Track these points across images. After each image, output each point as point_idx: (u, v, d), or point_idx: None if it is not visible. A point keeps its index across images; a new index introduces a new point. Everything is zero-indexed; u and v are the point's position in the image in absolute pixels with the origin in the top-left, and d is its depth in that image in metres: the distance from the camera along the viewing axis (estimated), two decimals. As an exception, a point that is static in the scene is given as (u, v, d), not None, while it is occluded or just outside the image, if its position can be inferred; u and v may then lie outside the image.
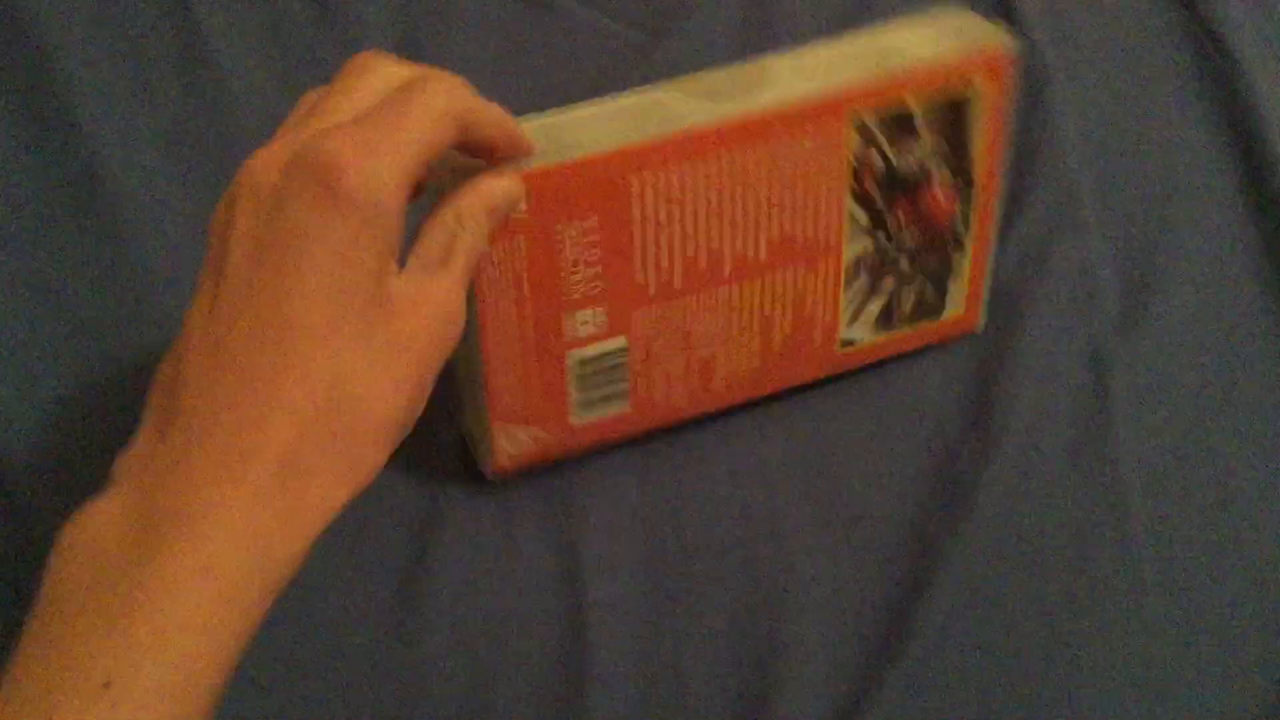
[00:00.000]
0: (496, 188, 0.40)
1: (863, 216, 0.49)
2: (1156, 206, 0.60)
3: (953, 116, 0.48)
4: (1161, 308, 0.57)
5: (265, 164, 0.33)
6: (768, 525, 0.50)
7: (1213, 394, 0.54)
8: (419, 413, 0.35)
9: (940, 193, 0.50)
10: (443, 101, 0.35)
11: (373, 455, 0.33)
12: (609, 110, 0.45)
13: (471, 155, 0.39)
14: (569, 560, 0.49)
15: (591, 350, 0.48)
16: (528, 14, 0.67)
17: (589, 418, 0.50)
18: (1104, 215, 0.60)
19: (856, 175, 0.48)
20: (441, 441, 0.52)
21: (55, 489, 0.50)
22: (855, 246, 0.50)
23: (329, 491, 0.32)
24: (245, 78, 0.63)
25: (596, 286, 0.46)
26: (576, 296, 0.46)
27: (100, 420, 0.52)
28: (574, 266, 0.45)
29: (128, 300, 0.55)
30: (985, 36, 0.49)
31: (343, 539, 0.48)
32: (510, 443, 0.49)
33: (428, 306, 0.35)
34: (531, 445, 0.49)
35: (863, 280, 0.51)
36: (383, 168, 0.33)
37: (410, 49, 0.65)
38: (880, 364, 0.54)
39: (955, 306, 0.54)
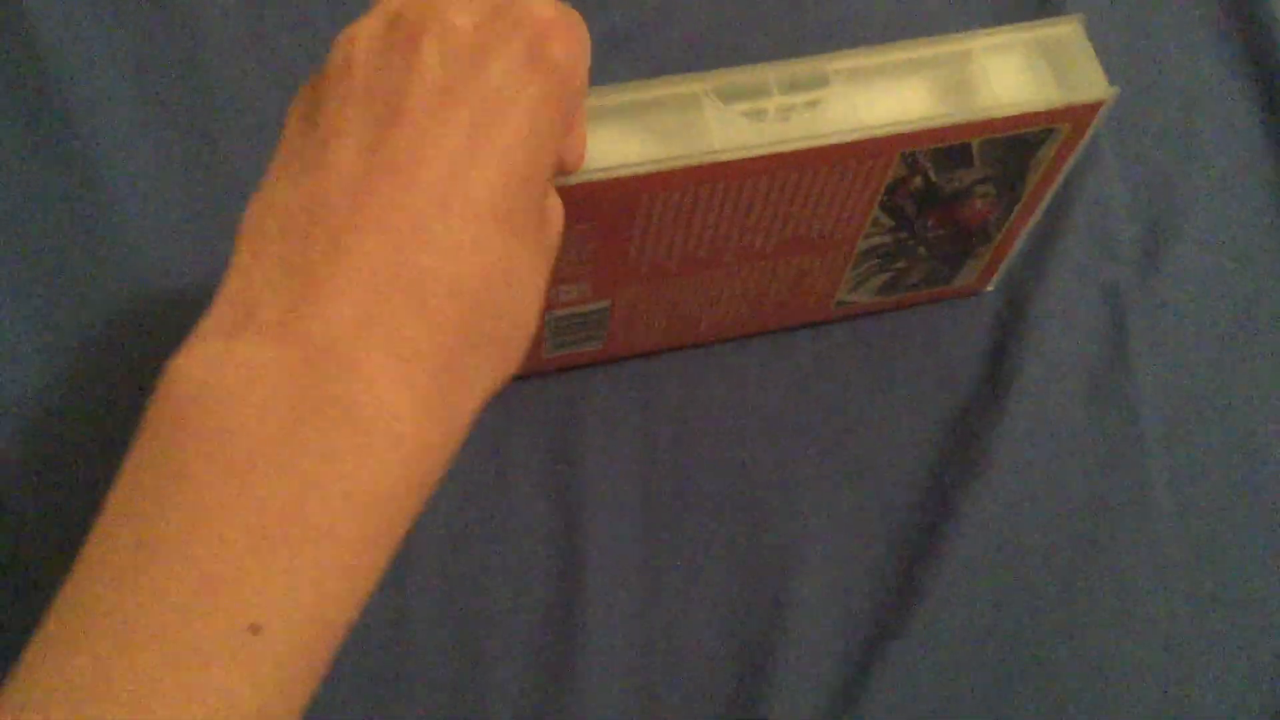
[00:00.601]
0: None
1: (888, 221, 0.45)
2: (1175, 143, 0.57)
3: (1018, 151, 0.42)
4: (1181, 247, 0.55)
5: (458, 7, 0.30)
6: (773, 477, 0.49)
7: (1233, 336, 0.53)
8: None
9: (980, 202, 0.45)
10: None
11: (515, 359, 0.30)
12: (636, 106, 0.39)
13: None
14: (565, 512, 0.48)
15: (571, 309, 0.45)
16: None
17: (562, 352, 0.48)
18: (1122, 152, 0.57)
19: (891, 191, 0.43)
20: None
21: (17, 428, 0.48)
22: (872, 240, 0.46)
23: (481, 390, 0.29)
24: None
25: (586, 267, 0.43)
26: (563, 273, 0.42)
27: (66, 359, 0.49)
28: (564, 252, 0.42)
29: (95, 234, 0.52)
30: (1081, 74, 0.41)
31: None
32: None
33: (556, 216, 0.33)
34: None
35: (873, 262, 0.48)
36: (582, 46, 0.30)
37: None
38: (889, 312, 0.52)
39: (968, 278, 0.51)
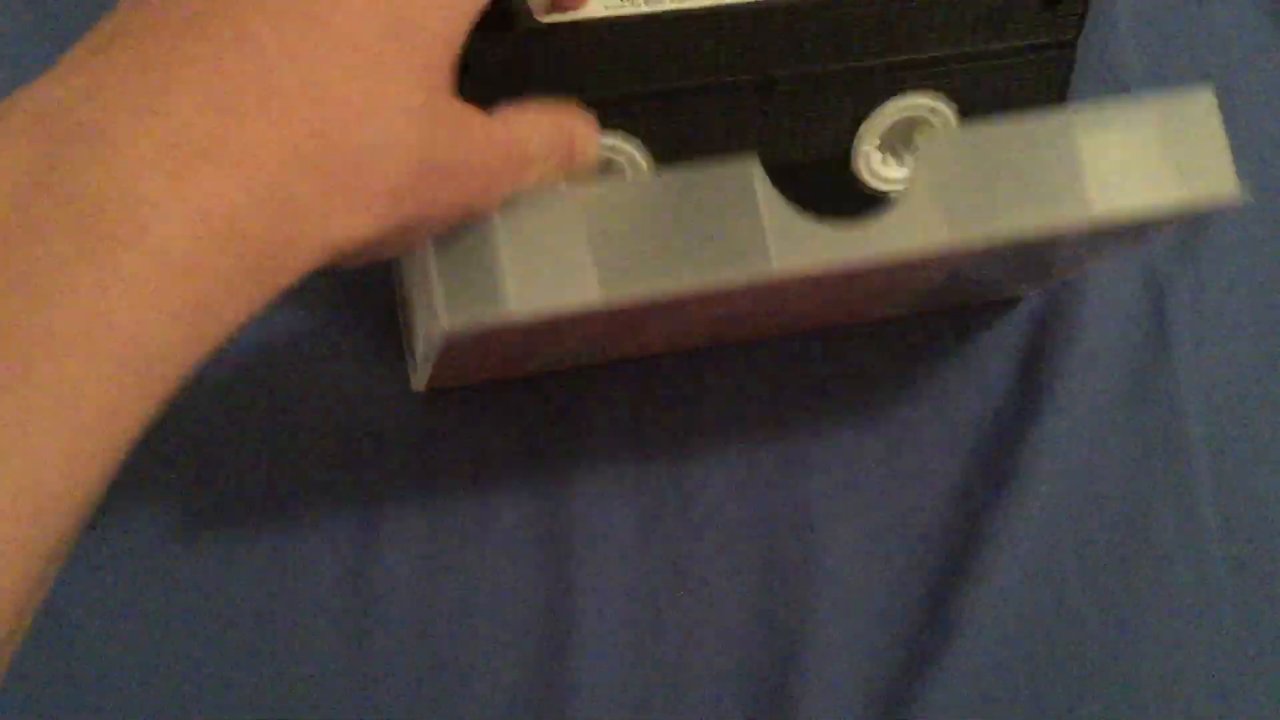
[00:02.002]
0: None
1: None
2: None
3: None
4: (1222, 227, 0.51)
5: None
6: (787, 490, 0.46)
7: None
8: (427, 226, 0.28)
9: None
10: None
11: (364, 211, 0.25)
12: (672, 206, 0.33)
13: None
14: (554, 538, 0.44)
15: None
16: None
17: None
18: None
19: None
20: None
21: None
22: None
23: (309, 235, 0.24)
24: None
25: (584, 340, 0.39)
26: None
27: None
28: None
29: None
30: (1207, 163, 0.36)
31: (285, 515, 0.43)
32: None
33: (497, 136, 0.29)
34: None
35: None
36: None
37: None
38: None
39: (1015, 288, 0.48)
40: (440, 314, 0.31)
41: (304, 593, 0.43)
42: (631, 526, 0.45)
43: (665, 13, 0.33)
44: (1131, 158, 0.35)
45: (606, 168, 0.36)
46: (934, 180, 0.33)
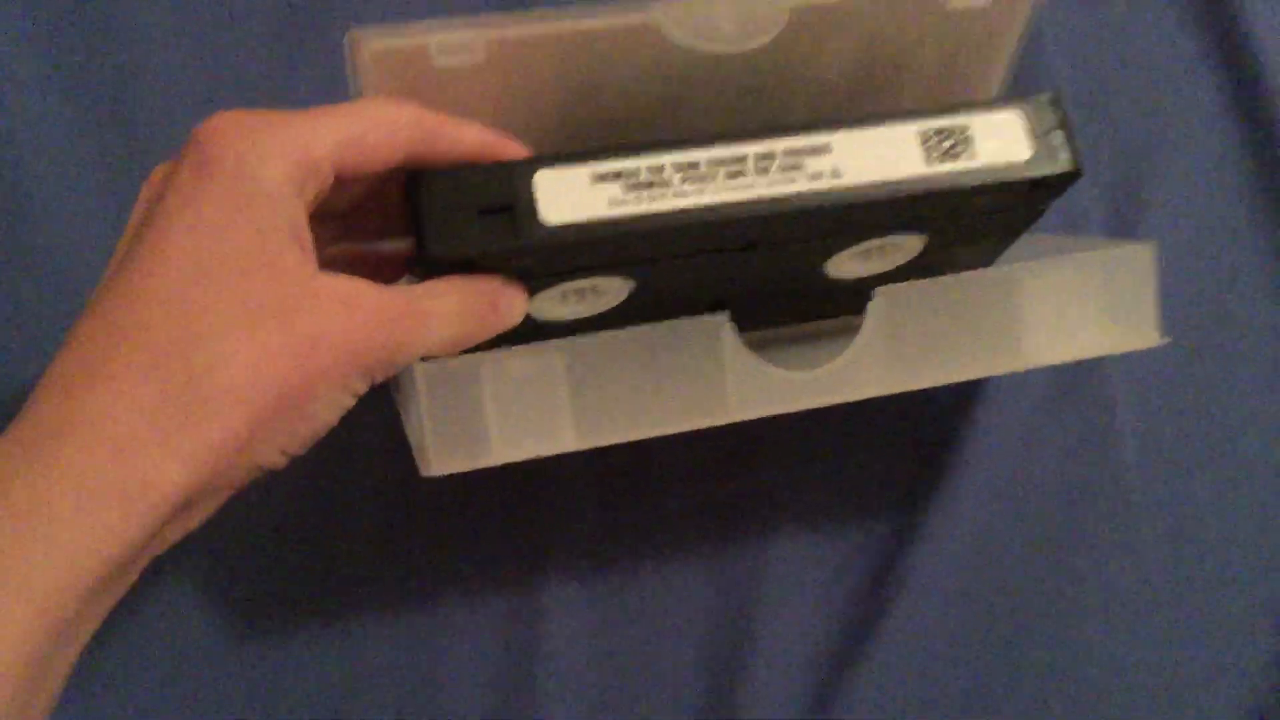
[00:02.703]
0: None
1: None
2: (1143, 131, 0.57)
3: None
4: (1149, 231, 0.54)
5: (164, 164, 0.33)
6: (742, 486, 0.49)
7: (1206, 321, 0.54)
8: (323, 403, 0.31)
9: None
10: (378, 107, 0.33)
11: (218, 428, 0.29)
12: (645, 357, 0.36)
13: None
14: (522, 550, 0.47)
15: None
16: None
17: None
18: (1091, 142, 0.56)
19: None
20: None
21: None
22: None
23: (161, 468, 0.29)
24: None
25: None
26: None
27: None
28: None
29: (18, 245, 0.49)
30: (1138, 318, 0.39)
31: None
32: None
33: (357, 300, 0.32)
34: None
35: None
36: (264, 143, 0.31)
37: None
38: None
39: None
40: (430, 459, 0.34)
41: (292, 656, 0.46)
42: (593, 516, 0.48)
43: (661, 212, 0.34)
44: (1070, 312, 0.38)
45: (589, 292, 0.38)
46: (886, 332, 0.37)
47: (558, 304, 0.37)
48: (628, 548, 0.48)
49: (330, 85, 0.52)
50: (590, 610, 0.47)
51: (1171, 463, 0.51)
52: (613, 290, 0.37)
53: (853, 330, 0.37)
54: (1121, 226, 0.54)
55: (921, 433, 0.50)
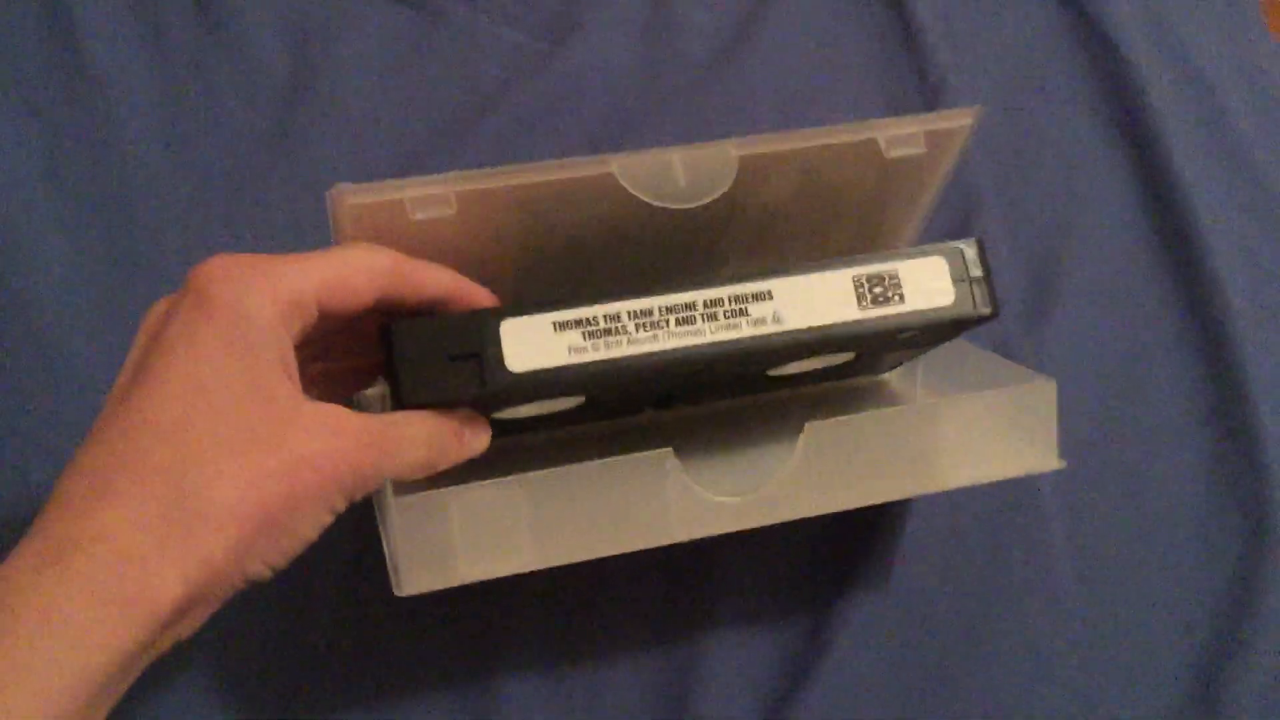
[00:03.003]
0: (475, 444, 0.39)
1: None
2: (1058, 212, 0.61)
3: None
4: (1065, 310, 0.59)
5: (163, 300, 0.36)
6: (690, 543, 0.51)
7: (1119, 384, 0.57)
8: (306, 520, 0.34)
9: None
10: (357, 253, 0.36)
11: (211, 543, 0.32)
12: (597, 487, 0.39)
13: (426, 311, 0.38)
14: (479, 647, 0.49)
15: None
16: (421, 22, 0.62)
17: None
18: (1007, 220, 0.60)
19: None
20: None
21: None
22: None
23: (161, 579, 0.31)
24: (126, 85, 0.58)
25: None
26: None
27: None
28: None
29: (7, 329, 0.52)
30: (1039, 444, 0.43)
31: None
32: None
33: (339, 426, 0.34)
34: None
35: None
36: (255, 282, 0.34)
37: (299, 56, 0.60)
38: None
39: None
40: (402, 581, 0.37)
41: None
42: (546, 612, 0.50)
43: (618, 359, 0.37)
44: (981, 441, 0.42)
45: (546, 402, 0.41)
46: (813, 461, 0.40)
47: (518, 409, 0.40)
48: (578, 641, 0.50)
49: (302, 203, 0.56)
50: (544, 699, 0.49)
51: (1088, 520, 0.54)
52: (569, 400, 0.41)
53: (789, 443, 0.41)
54: (1040, 304, 0.58)
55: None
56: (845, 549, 0.52)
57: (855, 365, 0.46)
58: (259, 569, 0.34)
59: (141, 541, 0.31)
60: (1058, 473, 0.53)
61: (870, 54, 0.65)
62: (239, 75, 0.59)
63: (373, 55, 0.61)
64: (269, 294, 0.34)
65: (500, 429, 0.40)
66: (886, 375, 0.53)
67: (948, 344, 0.47)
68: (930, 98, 0.63)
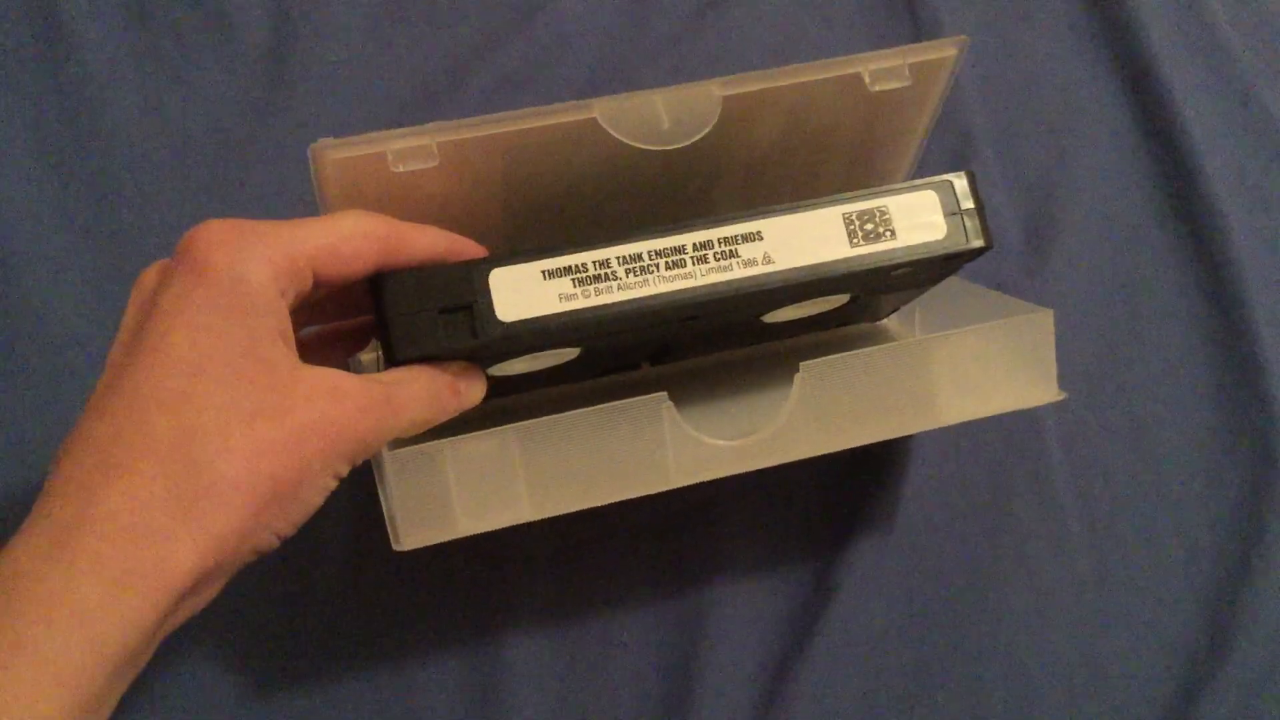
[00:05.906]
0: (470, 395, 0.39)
1: None
2: (1053, 146, 0.61)
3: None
4: (1064, 246, 0.58)
5: (153, 266, 0.35)
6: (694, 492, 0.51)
7: (1119, 326, 0.57)
8: (312, 488, 0.34)
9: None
10: (350, 220, 0.35)
11: (223, 517, 0.32)
12: (592, 434, 0.39)
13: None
14: (485, 608, 0.49)
15: None
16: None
17: None
18: (1003, 158, 0.60)
19: None
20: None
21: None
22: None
23: (174, 556, 0.31)
24: (108, 56, 0.58)
25: None
26: None
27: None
28: None
29: None
30: (1039, 377, 0.42)
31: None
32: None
33: (340, 392, 0.34)
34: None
35: None
36: (251, 247, 0.34)
37: (280, 23, 0.59)
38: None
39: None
40: (400, 535, 0.37)
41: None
42: (550, 572, 0.50)
43: (609, 304, 0.37)
44: (979, 374, 0.41)
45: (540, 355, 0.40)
46: (810, 401, 0.40)
47: (512, 364, 0.40)
48: (583, 599, 0.50)
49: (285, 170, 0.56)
50: (550, 659, 0.49)
51: (1092, 459, 0.54)
52: (563, 352, 0.40)
53: (785, 389, 0.40)
54: (1038, 245, 0.58)
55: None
56: (848, 496, 0.52)
57: (852, 310, 0.46)
58: (268, 539, 0.33)
59: (152, 519, 0.31)
60: (1060, 410, 0.54)
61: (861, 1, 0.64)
62: (220, 43, 0.58)
63: (355, 19, 0.60)
64: (265, 260, 0.34)
65: (498, 388, 0.40)
66: (885, 321, 0.52)
67: (945, 285, 0.47)
68: (926, 32, 0.63)
